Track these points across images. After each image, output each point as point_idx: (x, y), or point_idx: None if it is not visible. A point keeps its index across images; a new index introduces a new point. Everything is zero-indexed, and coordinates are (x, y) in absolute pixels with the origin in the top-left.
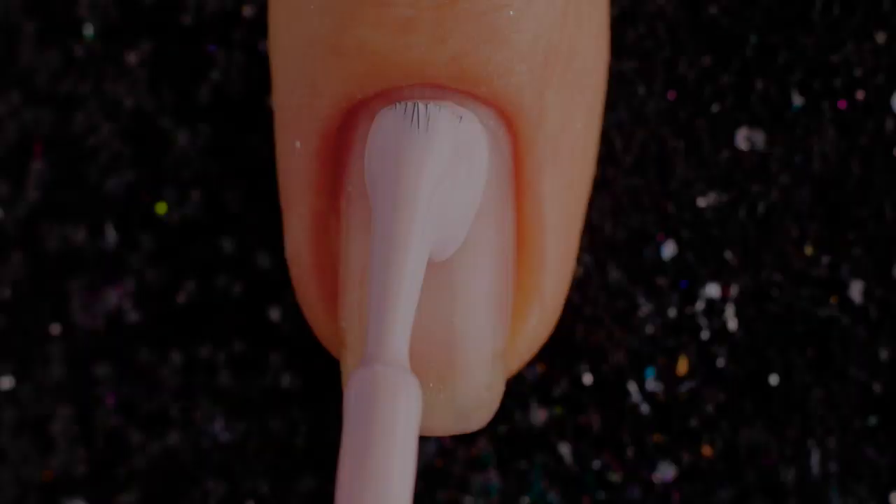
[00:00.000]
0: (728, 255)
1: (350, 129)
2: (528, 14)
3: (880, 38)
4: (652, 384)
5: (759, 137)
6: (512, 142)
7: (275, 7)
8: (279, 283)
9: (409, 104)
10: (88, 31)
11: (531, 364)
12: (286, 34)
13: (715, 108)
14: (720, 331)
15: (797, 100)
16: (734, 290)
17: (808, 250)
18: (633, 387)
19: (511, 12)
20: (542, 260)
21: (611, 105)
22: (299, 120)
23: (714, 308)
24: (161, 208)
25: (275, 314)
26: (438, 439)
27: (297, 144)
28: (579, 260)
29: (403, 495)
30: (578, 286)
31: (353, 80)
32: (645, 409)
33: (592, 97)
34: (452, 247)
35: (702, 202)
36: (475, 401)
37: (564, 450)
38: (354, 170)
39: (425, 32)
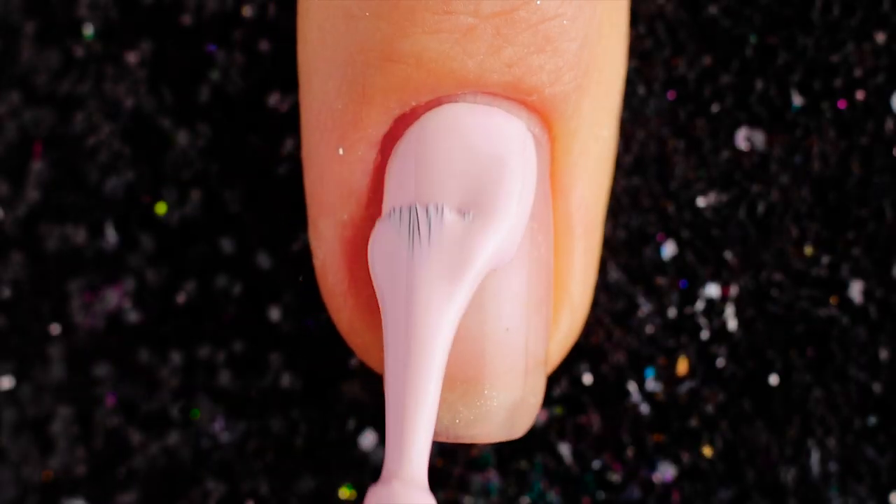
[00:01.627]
0: (728, 255)
1: (395, 137)
2: (577, 24)
3: (880, 38)
4: (652, 384)
5: (759, 137)
6: (551, 149)
7: (313, 13)
8: (279, 284)
9: (405, 211)
10: (88, 31)
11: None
12: (331, 40)
13: (715, 108)
14: (720, 331)
15: (797, 100)
16: (734, 290)
17: (808, 250)
18: (632, 387)
19: (564, 21)
20: (572, 265)
21: None
22: (344, 126)
23: (714, 308)
24: (161, 208)
25: (274, 314)
26: None
27: (340, 151)
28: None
29: None
30: None
31: (409, 88)
32: (645, 409)
33: (616, 104)
34: (508, 257)
35: (702, 202)
36: (523, 407)
37: (564, 450)
38: (397, 177)
39: (484, 41)
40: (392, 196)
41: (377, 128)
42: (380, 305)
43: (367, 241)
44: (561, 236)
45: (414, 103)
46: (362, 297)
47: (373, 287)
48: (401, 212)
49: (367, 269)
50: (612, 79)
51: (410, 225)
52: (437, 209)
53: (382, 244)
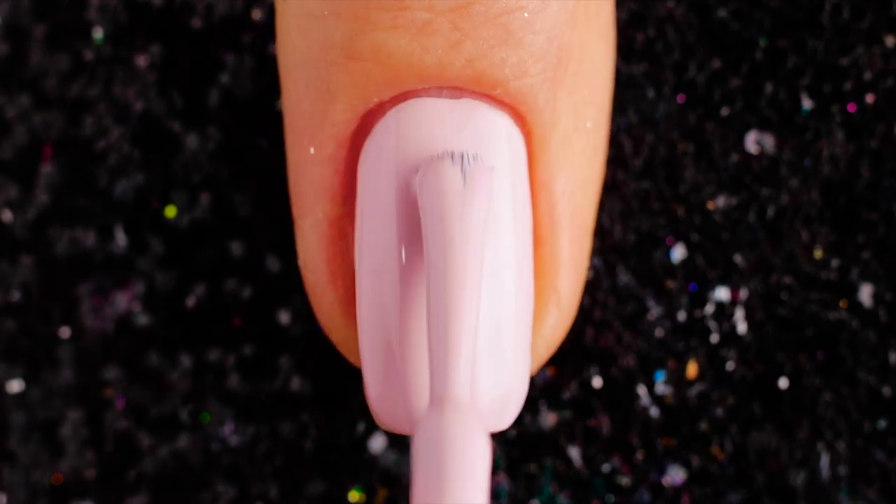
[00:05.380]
0: (737, 258)
1: (363, 134)
2: (542, 15)
3: (890, 41)
4: (661, 387)
5: (769, 141)
6: (526, 141)
7: (285, 13)
8: (288, 287)
9: (457, 156)
10: (98, 34)
11: (541, 367)
12: (298, 40)
13: (724, 111)
14: (730, 334)
15: (807, 103)
16: (744, 294)
17: (818, 254)
18: (642, 390)
19: (525, 14)
20: (558, 260)
21: (620, 108)
22: (313, 125)
23: (723, 311)
24: (170, 212)
25: (284, 318)
26: None
27: (311, 150)
28: (588, 263)
29: None
30: (588, 289)
31: (370, 85)
32: (654, 412)
33: (601, 96)
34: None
35: (711, 205)
36: (510, 397)
37: (574, 453)
38: (364, 173)
39: (441, 36)
40: (368, 192)
41: (344, 125)
42: (424, 237)
43: (344, 238)
44: (544, 230)
45: (377, 99)
46: (340, 291)
47: (351, 282)
48: (453, 156)
49: (345, 265)
50: (594, 68)
51: (463, 168)
52: (474, 160)
53: (440, 180)
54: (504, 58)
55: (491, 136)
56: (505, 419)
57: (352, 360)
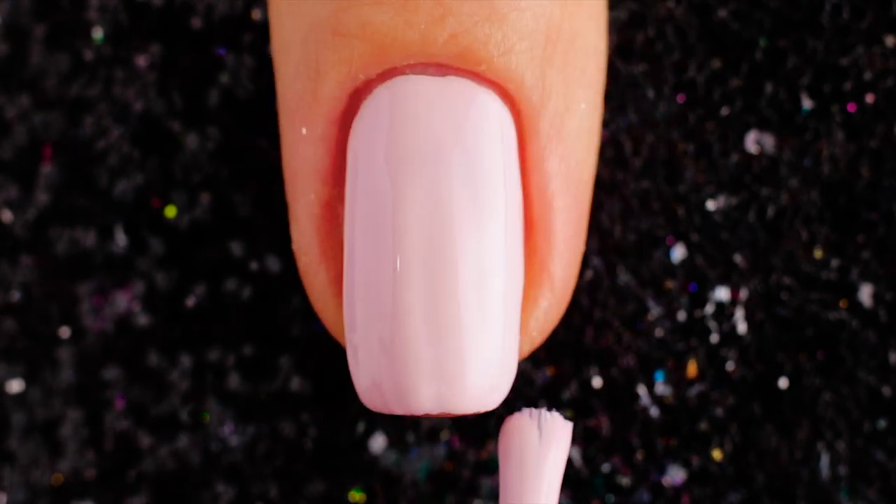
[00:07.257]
0: (737, 258)
1: (353, 113)
2: None
3: (890, 41)
4: (661, 387)
5: (769, 140)
6: (516, 121)
7: None
8: (288, 287)
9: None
10: (98, 34)
11: (541, 367)
12: (289, 21)
13: (724, 111)
14: (729, 334)
15: (807, 103)
16: (743, 294)
17: (818, 253)
18: (642, 390)
19: None
20: (551, 242)
21: (620, 108)
22: (304, 106)
23: (723, 311)
24: (170, 212)
25: (284, 317)
26: (448, 442)
27: (304, 131)
28: (588, 263)
29: None
30: (588, 289)
31: (357, 61)
32: (654, 412)
33: (595, 78)
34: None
35: (711, 205)
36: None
37: (574, 453)
38: (355, 153)
39: (425, 11)
40: (361, 174)
41: (334, 104)
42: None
43: (337, 219)
44: (537, 212)
45: (363, 76)
46: (332, 273)
47: (341, 265)
48: (531, 413)
49: (337, 247)
50: (586, 49)
51: (539, 424)
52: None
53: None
54: (488, 34)
55: (479, 114)
56: (494, 398)
57: (342, 340)
